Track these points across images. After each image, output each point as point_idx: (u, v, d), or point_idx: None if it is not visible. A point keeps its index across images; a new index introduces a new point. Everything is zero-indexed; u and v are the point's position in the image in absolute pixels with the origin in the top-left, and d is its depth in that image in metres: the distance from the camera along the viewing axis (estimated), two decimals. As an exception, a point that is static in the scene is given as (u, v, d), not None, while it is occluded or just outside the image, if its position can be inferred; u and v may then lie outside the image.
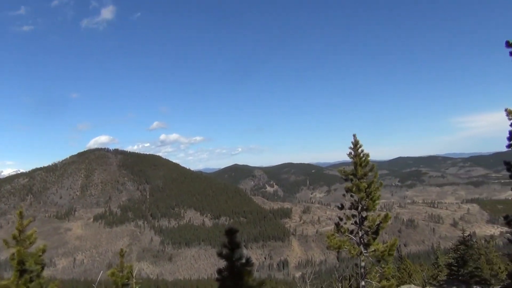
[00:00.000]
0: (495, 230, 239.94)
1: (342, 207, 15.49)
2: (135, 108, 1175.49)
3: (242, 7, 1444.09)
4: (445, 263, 27.44)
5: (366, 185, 14.68)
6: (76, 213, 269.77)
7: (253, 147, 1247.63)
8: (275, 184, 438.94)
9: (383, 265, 14.47)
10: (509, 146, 12.10)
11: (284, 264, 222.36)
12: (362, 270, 14.34)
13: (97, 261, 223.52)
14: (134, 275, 11.03)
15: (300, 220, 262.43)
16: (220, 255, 7.60)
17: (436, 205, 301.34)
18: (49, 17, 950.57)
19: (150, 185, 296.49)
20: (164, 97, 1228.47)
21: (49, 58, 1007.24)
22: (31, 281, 8.44)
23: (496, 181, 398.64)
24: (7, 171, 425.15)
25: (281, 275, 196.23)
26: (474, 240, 26.50)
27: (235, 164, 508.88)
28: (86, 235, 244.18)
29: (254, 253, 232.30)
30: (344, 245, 14.28)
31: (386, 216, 14.57)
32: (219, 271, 7.59)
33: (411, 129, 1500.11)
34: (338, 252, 14.23)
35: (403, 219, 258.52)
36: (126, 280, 10.52)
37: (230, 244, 7.48)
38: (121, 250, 10.96)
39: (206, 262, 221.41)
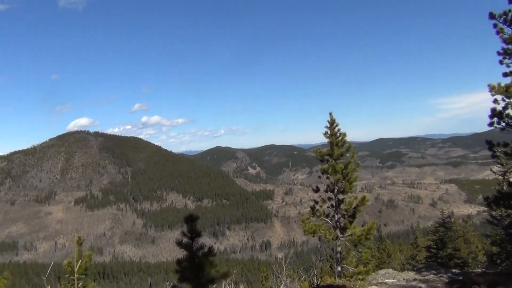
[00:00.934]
0: (473, 209, 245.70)
1: (317, 190, 14.70)
2: (117, 90, 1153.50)
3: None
4: (424, 245, 27.37)
5: (343, 166, 13.95)
6: (56, 197, 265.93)
7: (235, 129, 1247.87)
8: (258, 166, 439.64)
9: (360, 250, 13.93)
10: (490, 124, 11.65)
11: (266, 245, 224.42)
12: (338, 255, 13.74)
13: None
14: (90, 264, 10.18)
15: (283, 202, 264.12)
16: (179, 244, 6.83)
17: (415, 186, 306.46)
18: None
19: (131, 168, 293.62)
20: (146, 78, 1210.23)
21: (26, 38, 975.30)
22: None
23: (474, 161, 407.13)
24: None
25: (263, 256, 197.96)
26: (453, 220, 26.34)
27: (218, 146, 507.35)
28: (67, 219, 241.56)
29: (237, 235, 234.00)
30: (319, 230, 13.58)
31: (363, 198, 13.83)
32: (178, 262, 6.84)
33: (392, 110, 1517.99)
34: (313, 236, 13.64)
35: (384, 200, 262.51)
36: (84, 271, 9.69)
37: (190, 232, 6.72)
38: (78, 238, 10.07)
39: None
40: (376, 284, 12.59)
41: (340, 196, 14.16)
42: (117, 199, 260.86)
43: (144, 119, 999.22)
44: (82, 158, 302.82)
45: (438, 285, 12.09)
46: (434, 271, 14.50)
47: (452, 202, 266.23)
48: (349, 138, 14.72)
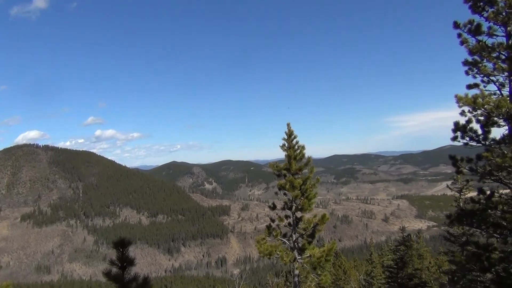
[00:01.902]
0: (423, 224, 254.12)
1: (274, 207, 13.49)
2: (70, 102, 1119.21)
3: None
4: (382, 263, 26.88)
5: (301, 182, 12.80)
6: (1, 213, 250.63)
7: (192, 144, 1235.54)
8: (214, 181, 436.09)
9: (319, 273, 12.87)
10: (454, 138, 11.19)
11: (222, 261, 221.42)
12: (296, 279, 12.56)
13: (25, 263, 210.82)
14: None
15: (239, 217, 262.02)
16: (107, 275, 5.57)
17: (369, 201, 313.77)
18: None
19: (83, 183, 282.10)
20: (101, 91, 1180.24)
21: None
22: None
23: (423, 178, 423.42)
24: None
25: (219, 273, 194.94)
26: (414, 238, 25.95)
27: (173, 161, 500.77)
28: (12, 236, 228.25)
29: (192, 251, 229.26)
30: (276, 251, 12.31)
31: (323, 217, 12.68)
32: None
33: (346, 128, 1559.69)
34: (269, 258, 12.45)
35: (338, 215, 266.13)
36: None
37: (121, 261, 5.48)
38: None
39: (143, 261, 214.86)
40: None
41: (298, 214, 13.08)
42: (67, 215, 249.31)
43: (97, 132, 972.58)
44: (30, 172, 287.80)
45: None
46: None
47: (403, 217, 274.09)
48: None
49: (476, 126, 10.57)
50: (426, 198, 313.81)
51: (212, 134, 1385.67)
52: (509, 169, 10.01)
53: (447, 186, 22.00)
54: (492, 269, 11.24)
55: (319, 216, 12.73)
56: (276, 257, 12.34)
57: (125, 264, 5.56)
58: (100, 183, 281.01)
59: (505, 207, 10.75)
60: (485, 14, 10.47)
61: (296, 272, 12.65)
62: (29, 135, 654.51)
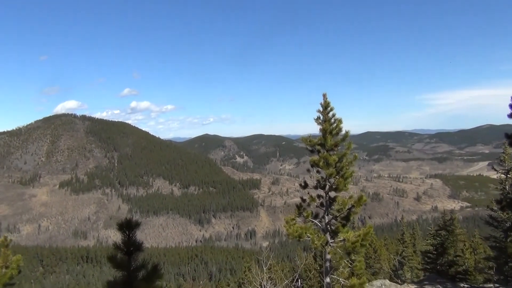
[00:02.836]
0: (456, 204, 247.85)
1: (305, 186, 12.27)
2: (107, 74, 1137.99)
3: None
4: (422, 250, 25.48)
5: (337, 159, 11.74)
6: (41, 180, 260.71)
7: (225, 117, 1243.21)
8: (245, 155, 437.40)
9: (353, 258, 11.89)
10: (511, 115, 9.92)
11: (251, 234, 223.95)
12: (328, 265, 11.60)
13: (63, 228, 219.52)
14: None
15: (269, 191, 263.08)
16: (111, 260, 4.78)
17: (401, 180, 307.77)
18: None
19: (118, 153, 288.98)
20: (137, 63, 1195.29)
21: (16, 17, 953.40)
22: None
23: (459, 157, 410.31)
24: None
25: (248, 245, 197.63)
26: (455, 220, 24.29)
27: (206, 134, 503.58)
28: (51, 202, 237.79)
29: (222, 223, 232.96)
30: (306, 233, 11.31)
31: (360, 198, 11.42)
32: (109, 285, 4.78)
33: (381, 104, 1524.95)
34: (299, 240, 11.54)
35: (369, 192, 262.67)
36: (9, 281, 7.67)
37: (127, 245, 4.66)
38: (4, 238, 8.02)
39: (174, 231, 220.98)
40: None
41: (332, 194, 12.00)
42: (103, 183, 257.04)
43: (133, 104, 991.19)
44: (68, 141, 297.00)
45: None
46: (439, 286, 12.72)
47: (436, 197, 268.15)
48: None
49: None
50: (460, 178, 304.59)
51: (244, 107, 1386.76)
52: None
53: (492, 167, 20.24)
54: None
55: (356, 197, 11.51)
56: (306, 239, 11.45)
57: (131, 249, 4.74)
58: (134, 153, 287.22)
59: None
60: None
61: (328, 256, 11.65)
62: (67, 105, 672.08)
